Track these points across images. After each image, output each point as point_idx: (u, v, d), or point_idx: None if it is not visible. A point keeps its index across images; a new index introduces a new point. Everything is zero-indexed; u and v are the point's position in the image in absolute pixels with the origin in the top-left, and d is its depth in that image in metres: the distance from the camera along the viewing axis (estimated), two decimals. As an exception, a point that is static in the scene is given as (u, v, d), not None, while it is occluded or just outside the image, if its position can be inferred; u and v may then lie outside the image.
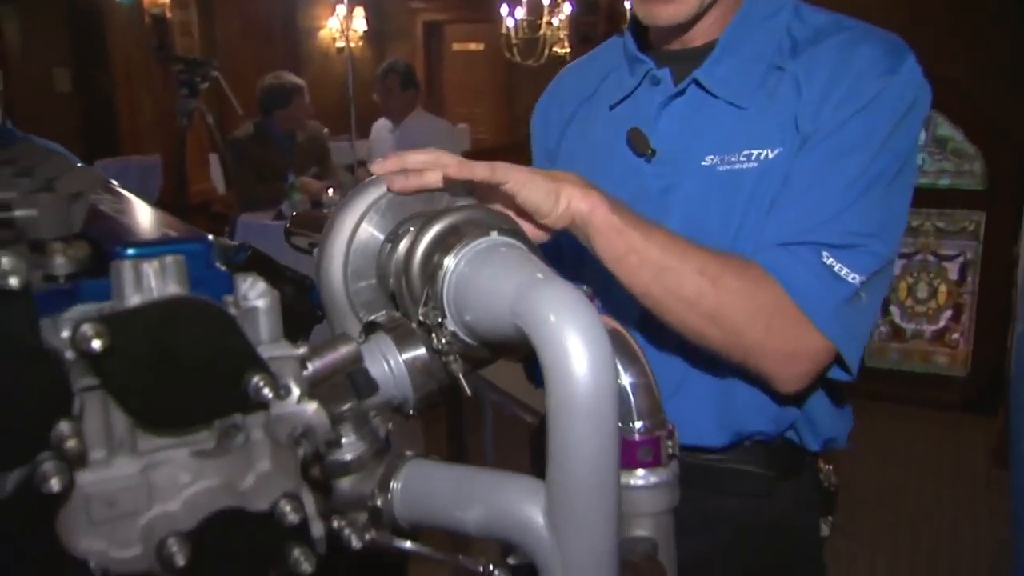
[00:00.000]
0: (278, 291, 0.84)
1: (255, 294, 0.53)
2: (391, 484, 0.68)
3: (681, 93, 1.14)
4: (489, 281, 0.66)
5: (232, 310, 0.52)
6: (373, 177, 0.80)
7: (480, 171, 0.83)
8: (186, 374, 0.49)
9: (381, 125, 5.08)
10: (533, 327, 0.61)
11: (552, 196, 0.89)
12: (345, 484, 0.69)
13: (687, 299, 0.97)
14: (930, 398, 4.74)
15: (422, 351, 0.69)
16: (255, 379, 0.51)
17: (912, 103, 1.05)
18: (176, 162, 4.77)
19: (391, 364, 0.69)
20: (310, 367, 0.55)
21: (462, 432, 2.17)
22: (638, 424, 0.74)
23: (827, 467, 1.26)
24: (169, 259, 0.50)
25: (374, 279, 0.76)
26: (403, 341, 0.69)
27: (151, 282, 0.49)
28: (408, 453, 0.71)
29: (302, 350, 0.55)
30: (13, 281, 0.42)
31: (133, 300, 0.49)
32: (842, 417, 1.19)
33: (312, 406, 0.53)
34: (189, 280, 0.51)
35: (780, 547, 1.20)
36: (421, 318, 0.68)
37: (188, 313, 0.49)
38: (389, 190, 0.77)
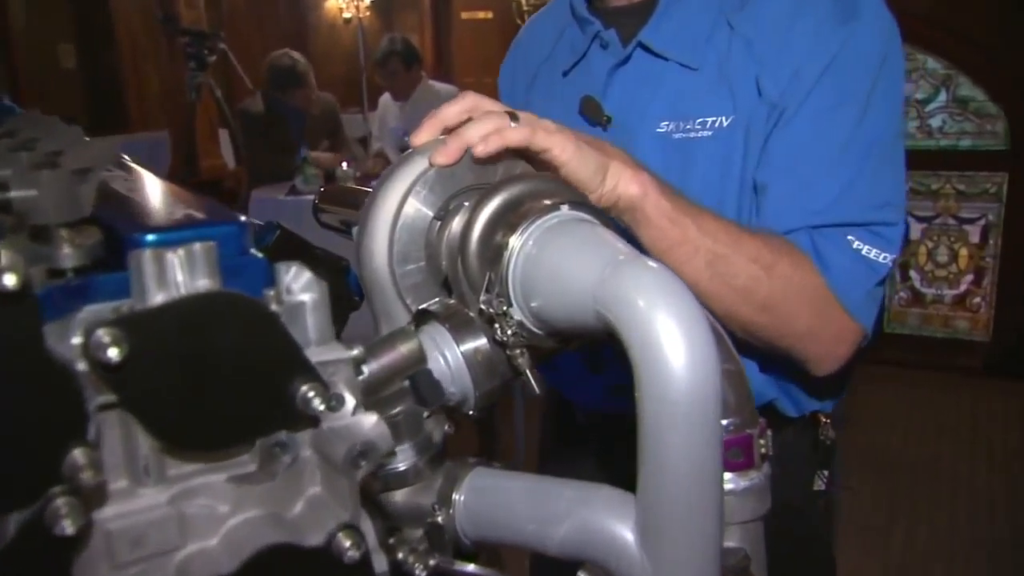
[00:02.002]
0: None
1: (300, 286, 0.45)
2: (453, 496, 0.60)
3: (627, 59, 1.08)
4: (562, 262, 0.57)
5: (274, 306, 0.44)
6: (422, 145, 0.71)
7: (516, 136, 0.72)
8: (221, 385, 0.41)
9: (388, 99, 4.96)
10: (619, 313, 0.52)
11: (600, 173, 0.79)
12: (399, 497, 0.60)
13: (740, 288, 0.90)
14: (951, 363, 4.69)
15: (483, 342, 0.60)
16: (303, 388, 0.43)
17: (886, 48, 0.98)
18: (185, 138, 4.68)
19: (448, 358, 0.60)
20: (366, 371, 0.47)
21: (493, 417, 2.07)
22: (726, 421, 0.66)
23: (824, 420, 1.19)
24: (197, 247, 0.41)
25: (422, 261, 0.67)
26: (461, 332, 0.60)
27: (176, 275, 0.40)
28: (470, 460, 0.62)
29: (356, 351, 0.46)
30: (9, 280, 0.33)
31: (156, 298, 0.40)
32: (827, 389, 1.12)
33: (370, 418, 0.44)
34: (221, 271, 0.43)
35: None
36: (483, 306, 0.59)
37: (221, 312, 0.40)
38: (432, 165, 0.68)
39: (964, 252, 4.74)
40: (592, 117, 1.09)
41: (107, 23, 6.83)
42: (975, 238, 4.70)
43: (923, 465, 3.71)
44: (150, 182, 0.58)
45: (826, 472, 1.17)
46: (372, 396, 0.48)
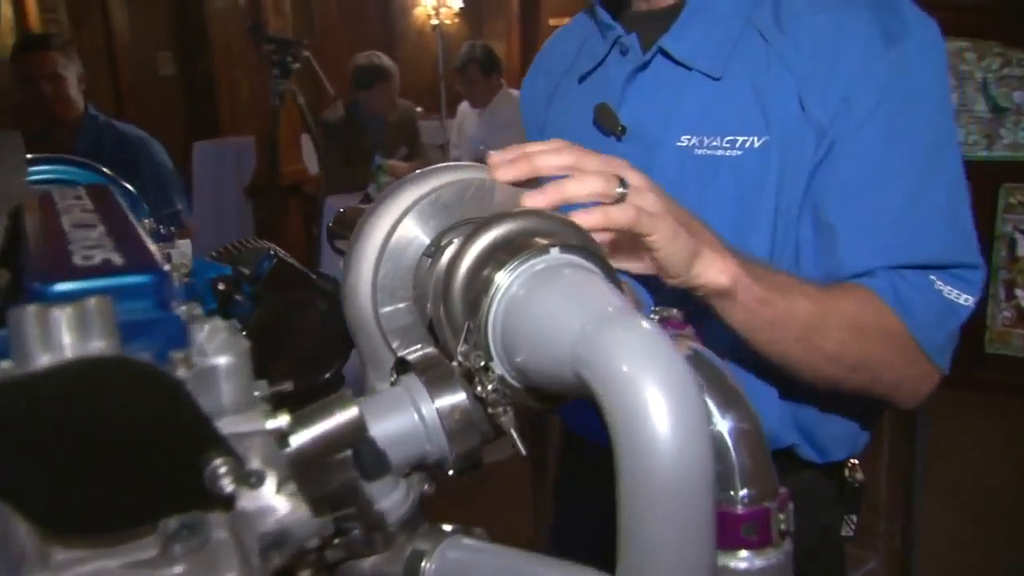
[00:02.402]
0: (307, 307, 0.70)
1: (215, 347, 0.39)
2: (422, 565, 0.54)
3: (646, 65, 1.02)
4: (545, 314, 0.51)
5: (181, 370, 0.39)
6: (418, 172, 0.65)
7: (621, 219, 0.68)
8: (113, 462, 0.36)
9: (466, 107, 4.94)
10: (599, 376, 0.45)
11: (690, 260, 0.76)
12: (366, 566, 0.55)
13: (830, 355, 0.87)
14: (1061, 387, 4.39)
15: (461, 398, 0.54)
16: (212, 464, 0.37)
17: (938, 64, 0.92)
18: (268, 143, 4.75)
19: (423, 414, 0.54)
20: (293, 443, 0.41)
21: (545, 445, 1.99)
22: (742, 492, 0.58)
23: (852, 462, 1.12)
24: (92, 303, 0.36)
25: (410, 300, 0.62)
26: (437, 386, 0.54)
27: (63, 336, 0.36)
28: (446, 528, 0.56)
29: (280, 422, 0.40)
30: None
31: (40, 361, 0.35)
32: (857, 433, 1.06)
33: (287, 503, 0.39)
34: (127, 328, 0.38)
35: None
36: (460, 358, 0.53)
37: (113, 379, 0.35)
38: (523, 206, 0.63)
39: (1076, 269, 4.48)
40: (606, 126, 1.03)
41: (203, 31, 7.05)
42: (1089, 254, 4.44)
43: (1010, 499, 3.47)
44: (107, 214, 0.54)
45: (854, 517, 1.08)
46: (306, 468, 0.42)
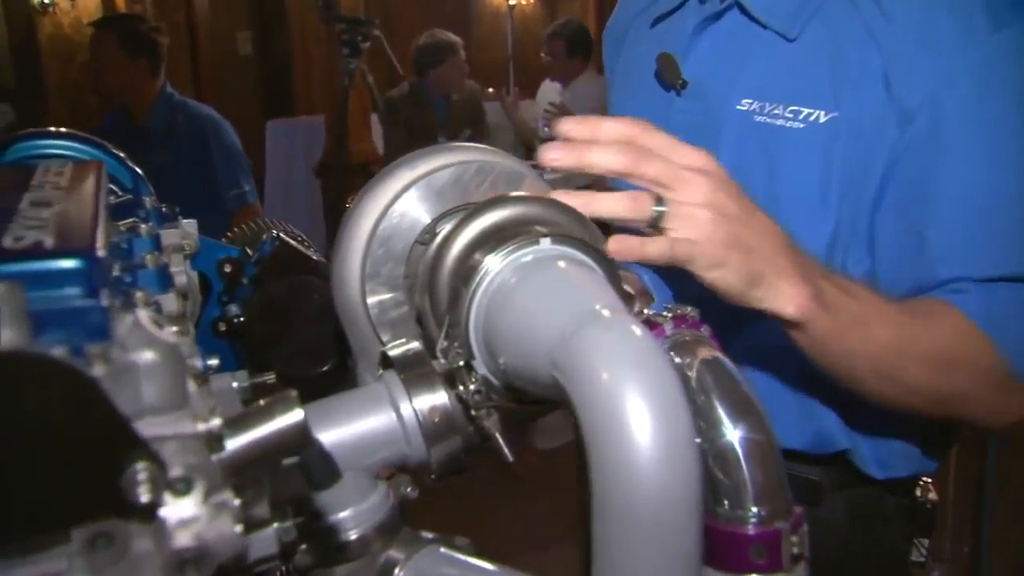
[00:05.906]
0: (308, 293, 0.67)
1: (138, 341, 0.36)
2: (394, 573, 0.50)
3: (718, 16, 0.92)
4: (526, 310, 0.46)
5: (98, 367, 0.35)
6: (413, 153, 0.60)
7: (653, 252, 0.62)
8: (17, 465, 0.33)
9: (548, 86, 4.89)
10: (574, 384, 0.41)
11: (745, 287, 0.66)
12: (340, 573, 0.51)
13: (908, 388, 0.79)
14: None
15: (442, 399, 0.50)
16: (129, 469, 0.34)
17: None
18: (337, 122, 4.77)
19: (402, 413, 0.50)
20: (228, 447, 0.38)
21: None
22: (752, 510, 0.52)
23: (923, 480, 1.01)
24: (-1, 289, 0.33)
25: (402, 290, 0.58)
26: (418, 384, 0.50)
27: (-38, 326, 0.33)
28: (427, 536, 0.52)
29: (213, 423, 0.37)
30: None
31: (-63, 352, 0.33)
32: (927, 450, 0.95)
33: (208, 515, 0.35)
34: (45, 317, 0.35)
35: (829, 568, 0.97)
36: (440, 356, 0.49)
37: (17, 374, 0.32)
38: (542, 165, 0.59)
39: None
40: (667, 79, 0.94)
41: (280, 11, 7.12)
42: None
43: None
44: (78, 192, 0.51)
45: (925, 541, 0.99)
46: (241, 476, 0.39)
